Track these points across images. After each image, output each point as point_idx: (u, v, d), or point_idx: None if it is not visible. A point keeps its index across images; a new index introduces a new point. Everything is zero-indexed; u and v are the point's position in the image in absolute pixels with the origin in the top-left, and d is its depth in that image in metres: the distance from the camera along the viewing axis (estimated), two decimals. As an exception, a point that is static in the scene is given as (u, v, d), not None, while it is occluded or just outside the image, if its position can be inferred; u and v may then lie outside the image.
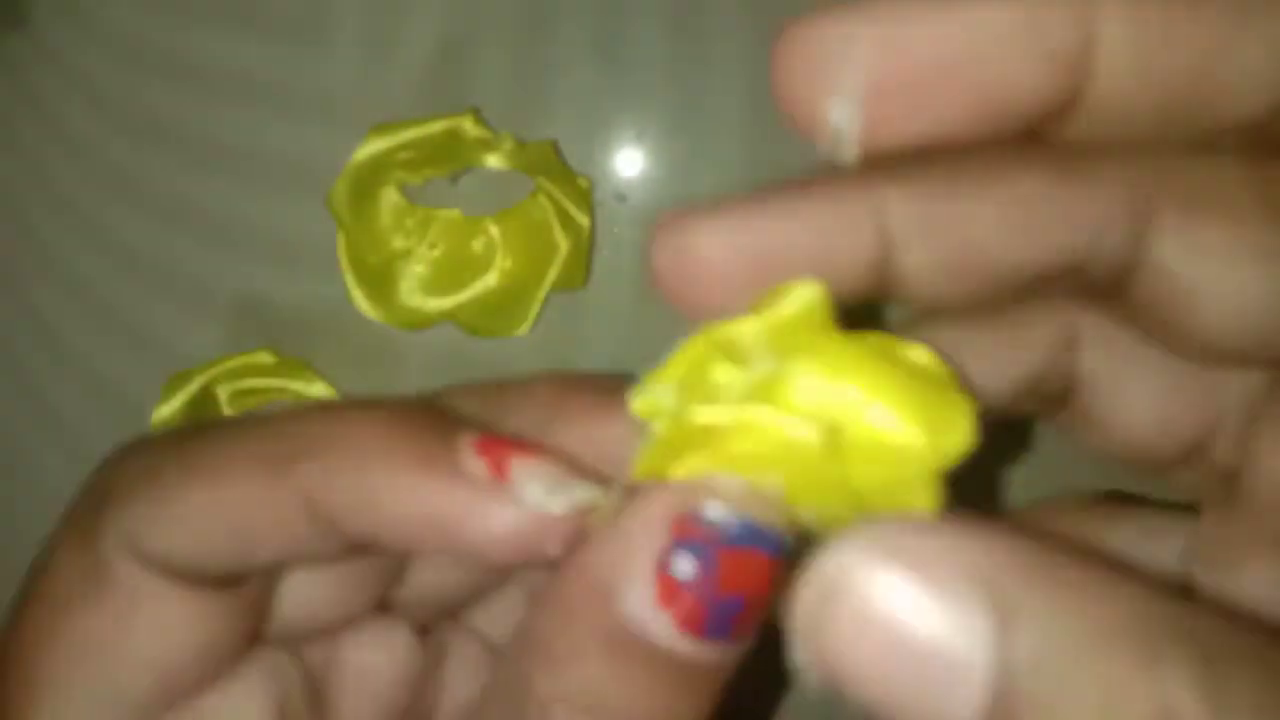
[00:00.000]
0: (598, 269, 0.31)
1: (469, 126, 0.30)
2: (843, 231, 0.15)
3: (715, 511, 0.14)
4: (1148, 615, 0.11)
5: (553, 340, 0.31)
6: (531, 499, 0.15)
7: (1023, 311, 0.16)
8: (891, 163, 0.15)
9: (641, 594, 0.14)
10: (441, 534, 0.15)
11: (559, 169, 0.30)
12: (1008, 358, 0.16)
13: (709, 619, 0.14)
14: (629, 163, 0.31)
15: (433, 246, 0.31)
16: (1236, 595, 0.15)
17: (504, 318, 0.31)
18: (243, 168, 0.32)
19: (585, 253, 0.30)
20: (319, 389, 0.31)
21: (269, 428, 0.17)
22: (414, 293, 0.31)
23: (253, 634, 0.18)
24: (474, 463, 0.16)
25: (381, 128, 0.30)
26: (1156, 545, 0.17)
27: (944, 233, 0.15)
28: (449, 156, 0.30)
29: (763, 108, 0.31)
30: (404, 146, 0.30)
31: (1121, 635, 0.11)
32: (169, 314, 0.32)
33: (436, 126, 0.30)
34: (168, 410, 0.31)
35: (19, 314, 0.33)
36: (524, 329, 0.31)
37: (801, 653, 0.12)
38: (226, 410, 0.31)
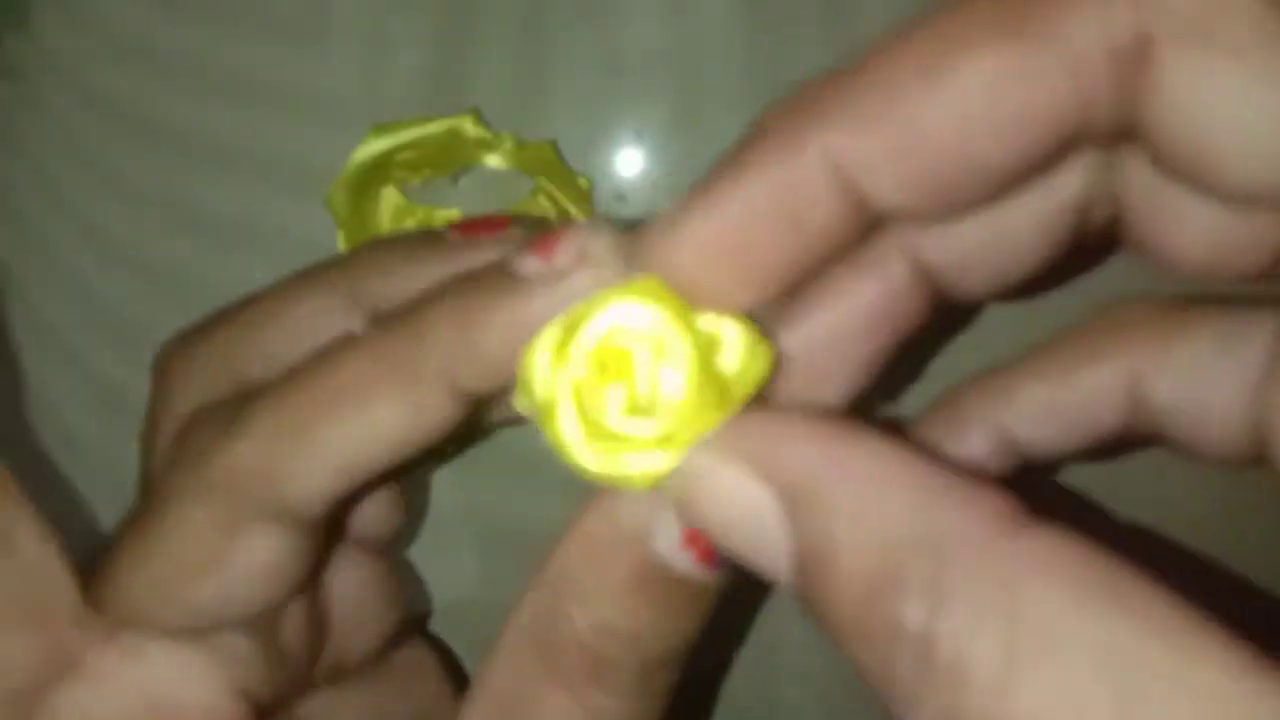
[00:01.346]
0: (597, 269, 0.31)
1: (469, 126, 0.30)
2: (798, 186, 0.15)
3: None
4: (917, 500, 0.13)
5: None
6: (591, 249, 0.18)
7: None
8: (823, 94, 0.15)
9: (670, 539, 0.17)
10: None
11: (559, 169, 0.30)
12: (1044, 192, 0.16)
13: (720, 553, 0.17)
14: (629, 163, 0.31)
15: None
16: None
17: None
18: (242, 167, 0.32)
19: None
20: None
21: (389, 339, 0.19)
22: None
23: (314, 573, 0.21)
24: (530, 263, 0.18)
25: (381, 127, 0.30)
26: (1238, 350, 0.17)
27: (905, 150, 0.14)
28: (449, 156, 0.30)
29: (759, 109, 0.31)
30: (404, 146, 0.30)
31: (894, 522, 0.13)
32: (168, 314, 0.32)
33: (436, 126, 0.30)
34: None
35: (17, 314, 0.33)
36: (524, 329, 0.31)
37: (676, 516, 0.16)
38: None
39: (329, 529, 0.22)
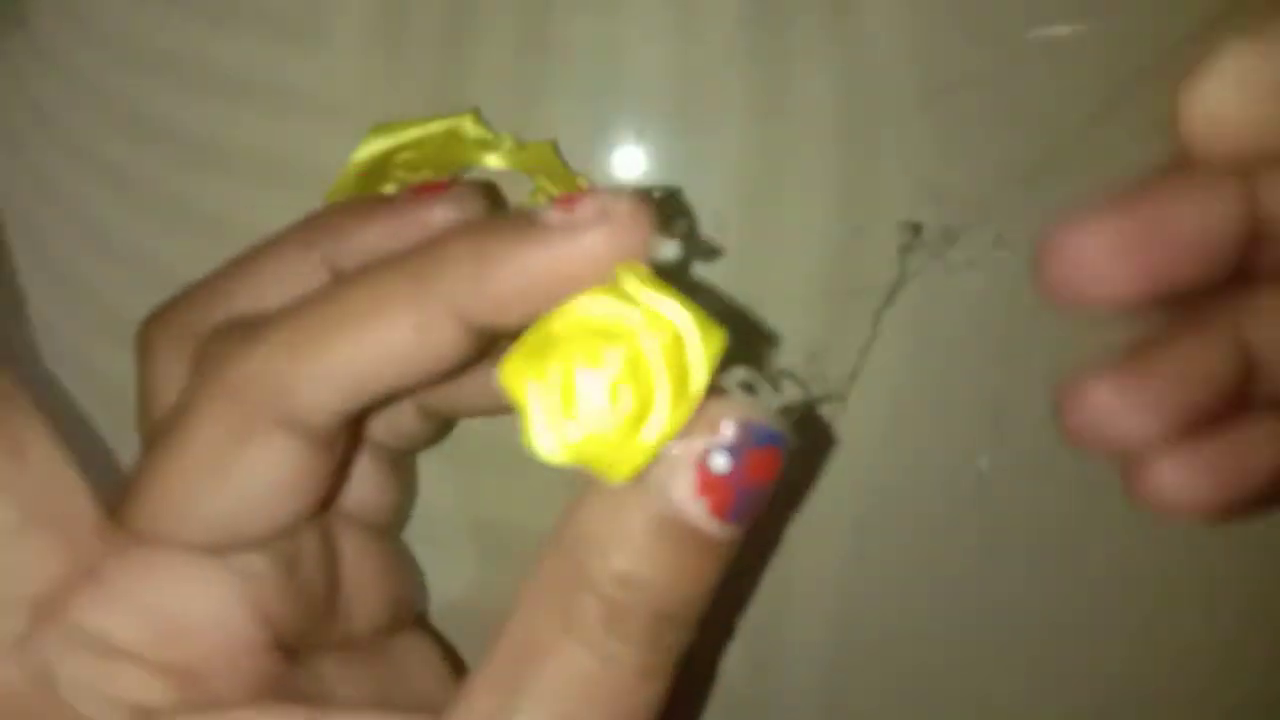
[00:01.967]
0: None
1: (469, 126, 0.30)
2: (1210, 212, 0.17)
3: (741, 421, 0.18)
4: None
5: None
6: (613, 209, 0.19)
7: None
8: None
9: (685, 485, 0.18)
10: (568, 279, 0.19)
11: (559, 169, 0.30)
12: None
13: (735, 505, 0.18)
14: (629, 163, 0.31)
15: None
16: None
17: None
18: (242, 167, 0.32)
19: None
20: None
21: (407, 265, 0.20)
22: None
23: (331, 497, 0.22)
24: (553, 214, 0.19)
25: (381, 127, 0.30)
26: None
27: None
28: (449, 156, 0.30)
29: (765, 108, 0.31)
30: (404, 146, 0.30)
31: None
32: None
33: (436, 126, 0.30)
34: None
35: (17, 314, 0.33)
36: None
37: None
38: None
39: (341, 452, 0.22)
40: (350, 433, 0.22)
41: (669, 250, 0.19)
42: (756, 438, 0.18)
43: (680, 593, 0.18)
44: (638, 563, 0.18)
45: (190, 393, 0.21)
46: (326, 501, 0.23)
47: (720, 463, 0.18)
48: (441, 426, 0.25)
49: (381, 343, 0.19)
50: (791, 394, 0.30)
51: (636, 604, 0.18)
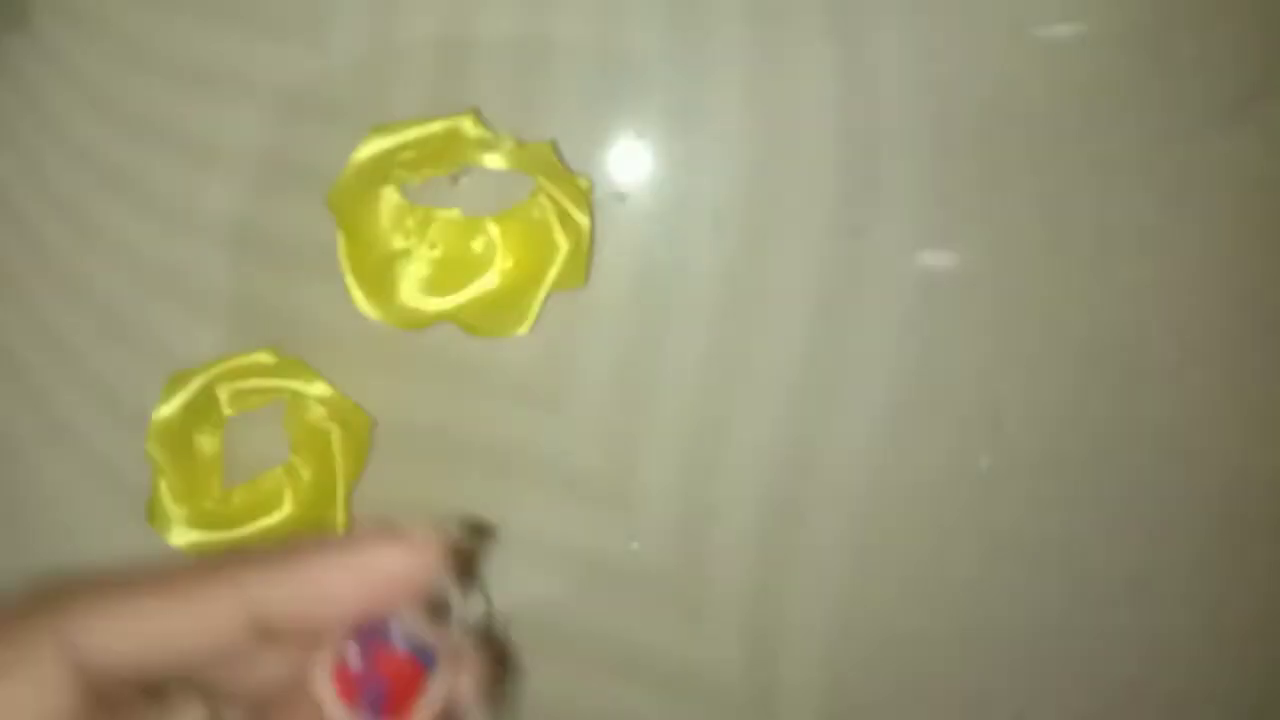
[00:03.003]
0: (598, 269, 0.31)
1: (469, 126, 0.30)
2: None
3: (392, 626, 0.20)
4: None
5: (553, 340, 0.31)
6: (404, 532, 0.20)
7: None
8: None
9: (326, 683, 0.20)
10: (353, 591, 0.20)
11: (559, 169, 0.30)
12: None
13: (362, 695, 0.20)
14: (629, 162, 0.31)
15: (433, 246, 0.31)
16: None
17: (504, 318, 0.31)
18: (242, 167, 0.31)
19: (585, 253, 0.30)
20: (318, 388, 0.31)
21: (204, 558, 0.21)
22: (413, 293, 0.31)
23: None
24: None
25: (382, 127, 0.30)
26: None
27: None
28: (449, 156, 0.30)
29: (763, 107, 0.31)
30: (404, 146, 0.30)
31: None
32: (168, 314, 0.32)
33: (437, 126, 0.30)
34: (168, 410, 0.30)
35: (17, 312, 0.33)
36: (524, 329, 0.30)
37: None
38: (226, 410, 0.31)
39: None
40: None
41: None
42: (372, 633, 0.20)
43: None
44: None
45: None
46: None
47: (351, 656, 0.20)
48: None
49: (170, 616, 0.20)
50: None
51: None
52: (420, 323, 0.31)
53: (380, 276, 0.31)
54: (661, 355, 0.31)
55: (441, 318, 0.31)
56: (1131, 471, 0.31)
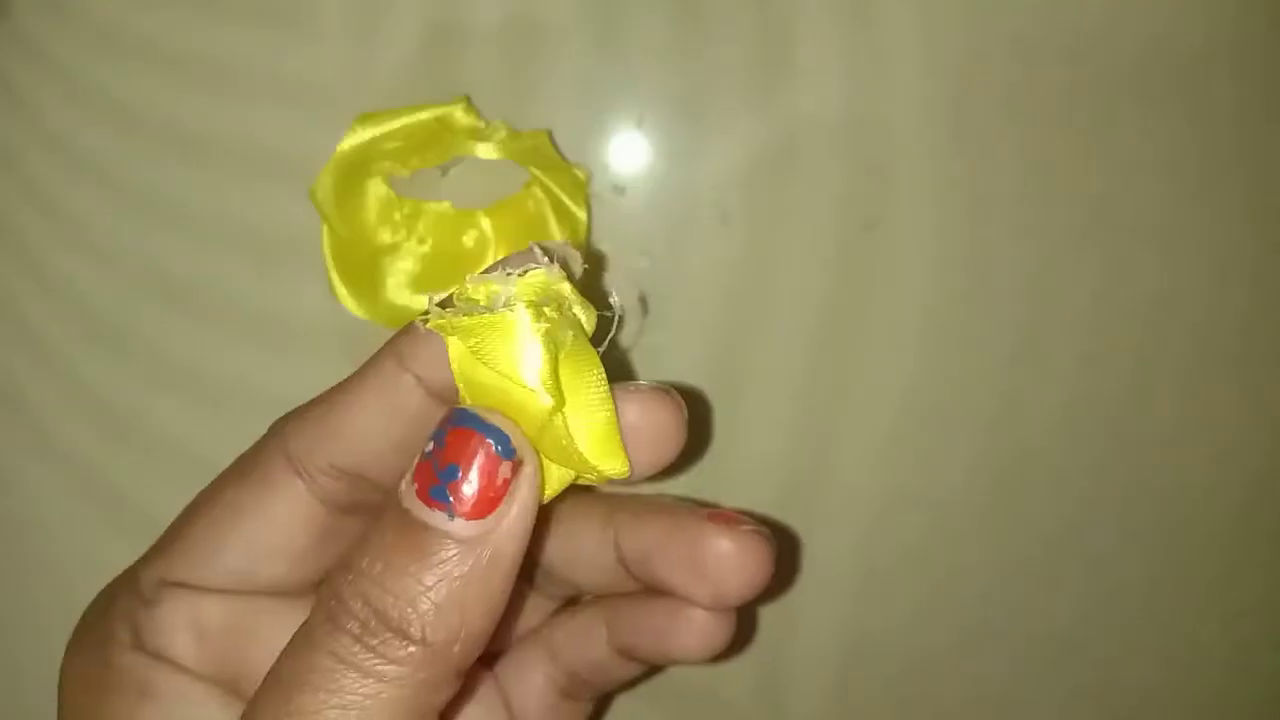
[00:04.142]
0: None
1: (460, 114, 0.29)
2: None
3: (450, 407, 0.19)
4: None
5: (548, 340, 0.30)
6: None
7: None
8: None
9: (408, 474, 0.19)
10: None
11: (554, 159, 0.30)
12: None
13: (433, 484, 0.19)
14: (627, 153, 0.30)
15: (421, 241, 0.31)
16: None
17: (497, 316, 0.30)
18: (223, 159, 0.31)
19: (582, 247, 0.30)
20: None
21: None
22: (401, 290, 0.30)
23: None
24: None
25: (367, 116, 0.29)
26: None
27: None
28: (439, 146, 0.30)
29: (767, 96, 0.30)
30: (391, 135, 0.29)
31: None
32: (149, 310, 0.32)
33: (425, 114, 0.29)
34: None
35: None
36: (518, 328, 0.30)
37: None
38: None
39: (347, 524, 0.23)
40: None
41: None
42: (454, 419, 0.19)
43: (400, 584, 0.18)
44: (368, 558, 0.19)
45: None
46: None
47: (429, 446, 0.19)
48: (634, 669, 0.26)
49: (353, 406, 0.22)
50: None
51: (365, 598, 0.19)
52: (408, 320, 0.30)
53: (366, 272, 0.30)
54: (661, 355, 0.30)
55: (431, 316, 0.30)
56: (1151, 476, 0.31)
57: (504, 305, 0.19)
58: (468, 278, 0.19)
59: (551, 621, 0.26)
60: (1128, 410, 0.31)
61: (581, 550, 0.24)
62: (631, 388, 0.21)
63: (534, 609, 0.26)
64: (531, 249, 0.20)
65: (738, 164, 0.30)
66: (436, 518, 0.19)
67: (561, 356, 0.19)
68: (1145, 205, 0.31)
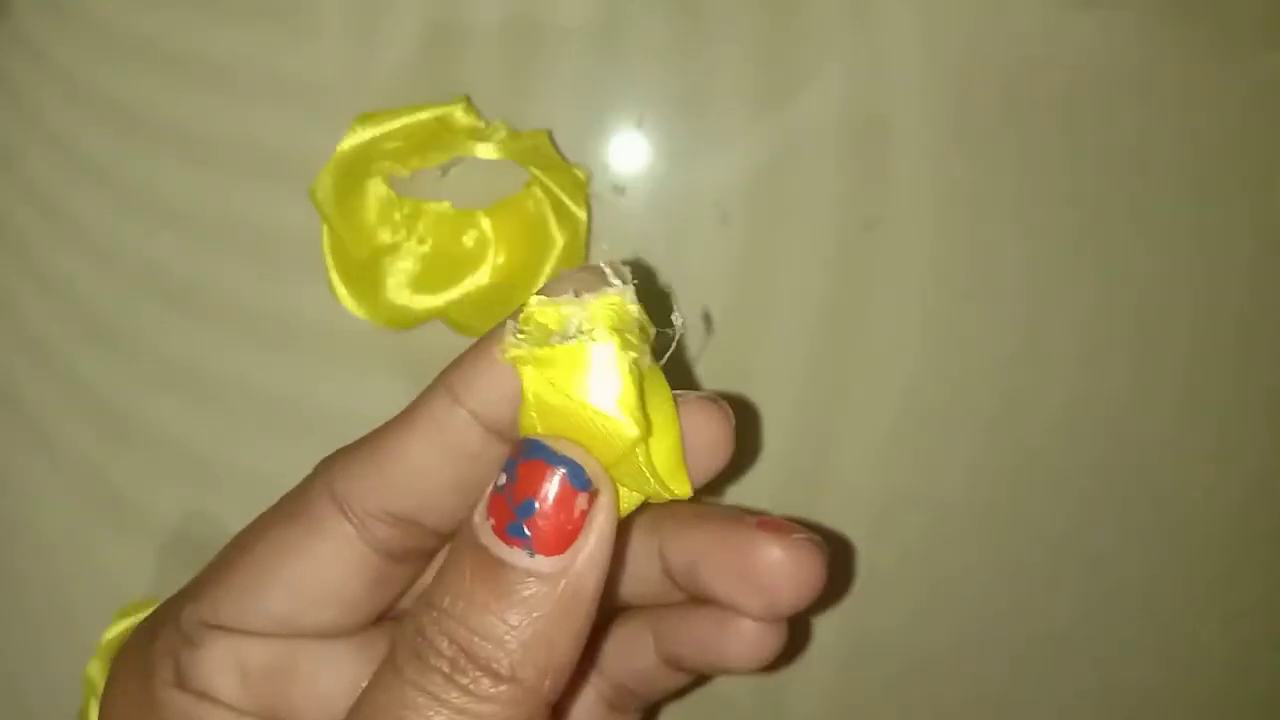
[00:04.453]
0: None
1: (459, 114, 0.29)
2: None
3: (516, 439, 0.19)
4: None
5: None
6: None
7: None
8: None
9: (480, 507, 0.18)
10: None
11: (554, 159, 0.29)
12: None
13: (510, 520, 0.18)
14: (628, 153, 0.30)
15: (421, 241, 0.30)
16: None
17: (497, 315, 0.29)
18: (223, 159, 0.31)
19: (582, 248, 0.30)
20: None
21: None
22: (401, 290, 0.30)
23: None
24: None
25: (367, 116, 0.29)
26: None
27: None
28: (438, 146, 0.30)
29: (768, 95, 0.30)
30: (391, 135, 0.29)
31: None
32: (149, 310, 0.31)
33: (425, 114, 0.29)
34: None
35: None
36: (518, 328, 0.30)
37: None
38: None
39: (405, 572, 0.23)
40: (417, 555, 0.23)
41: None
42: (524, 451, 0.18)
43: (485, 623, 0.18)
44: (449, 595, 0.18)
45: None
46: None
47: (500, 480, 0.18)
48: (681, 679, 0.25)
49: (400, 444, 0.21)
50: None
51: (451, 636, 0.18)
52: (408, 321, 0.30)
53: (366, 273, 0.30)
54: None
55: (431, 316, 0.30)
56: (1151, 476, 0.31)
57: (581, 332, 0.18)
58: (533, 299, 0.18)
59: (598, 630, 0.25)
60: (1128, 410, 0.31)
61: (627, 561, 0.23)
62: (680, 398, 0.20)
63: None
64: (600, 268, 0.19)
65: (738, 164, 0.30)
66: (516, 555, 0.18)
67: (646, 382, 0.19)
68: (1145, 205, 0.31)
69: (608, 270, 0.19)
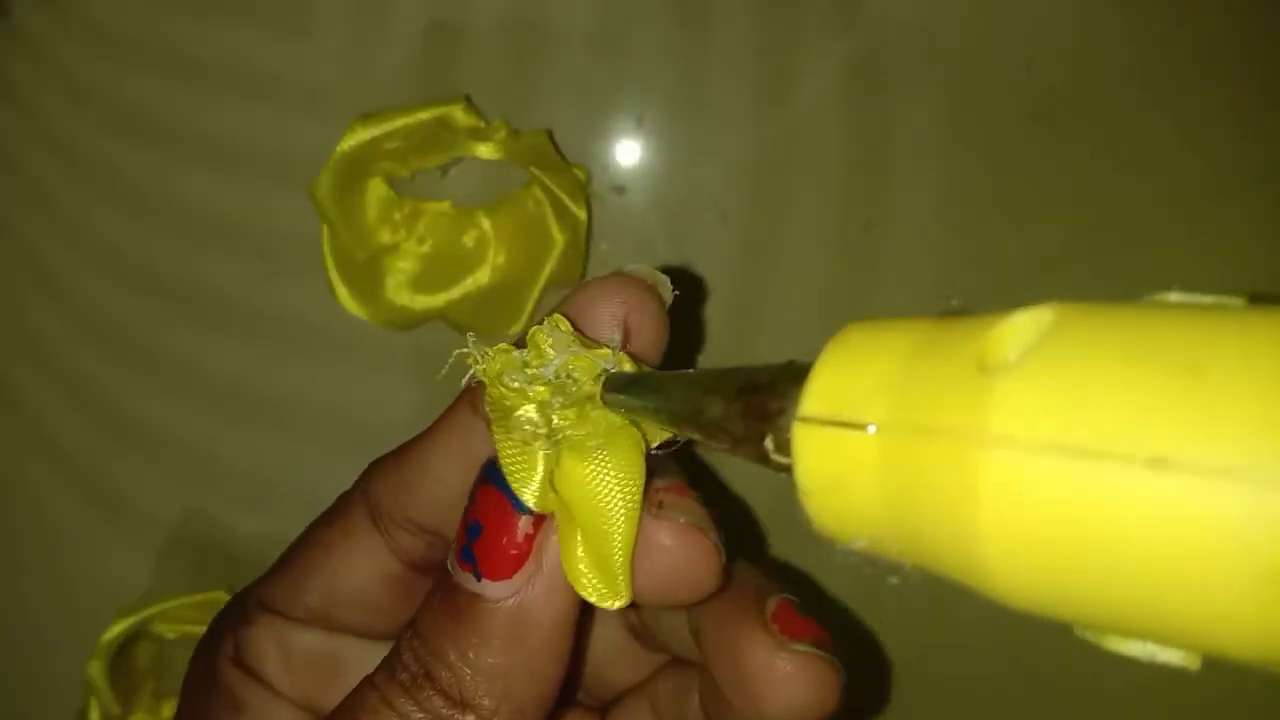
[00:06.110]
0: (595, 264, 0.30)
1: (459, 115, 0.29)
2: None
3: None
4: None
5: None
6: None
7: None
8: None
9: (456, 542, 0.18)
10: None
11: (554, 159, 0.29)
12: None
13: (463, 542, 0.18)
14: (627, 152, 0.30)
15: (421, 241, 0.30)
16: None
17: (497, 315, 0.30)
18: (223, 159, 0.31)
19: (582, 247, 0.29)
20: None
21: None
22: (401, 290, 0.30)
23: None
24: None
25: (367, 116, 0.29)
26: None
27: None
28: (438, 146, 0.29)
29: (766, 95, 0.30)
30: (391, 136, 0.29)
31: None
32: (149, 310, 0.31)
33: (425, 115, 0.29)
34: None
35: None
36: (518, 327, 0.30)
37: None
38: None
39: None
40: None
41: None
42: (482, 474, 0.18)
43: (442, 646, 0.18)
44: (422, 616, 0.18)
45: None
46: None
47: (467, 502, 0.18)
48: None
49: (426, 454, 0.21)
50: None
51: (415, 654, 0.18)
52: (408, 321, 0.30)
53: (366, 273, 0.30)
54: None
55: (431, 316, 0.30)
56: None
57: (526, 382, 0.17)
58: (542, 321, 0.18)
59: (657, 675, 0.23)
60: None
61: (663, 614, 0.22)
62: (668, 518, 0.18)
63: (647, 662, 0.24)
64: (640, 277, 0.18)
65: (737, 163, 0.30)
66: (465, 578, 0.18)
67: (578, 462, 0.17)
68: (1145, 205, 0.30)
69: (618, 338, 0.18)
